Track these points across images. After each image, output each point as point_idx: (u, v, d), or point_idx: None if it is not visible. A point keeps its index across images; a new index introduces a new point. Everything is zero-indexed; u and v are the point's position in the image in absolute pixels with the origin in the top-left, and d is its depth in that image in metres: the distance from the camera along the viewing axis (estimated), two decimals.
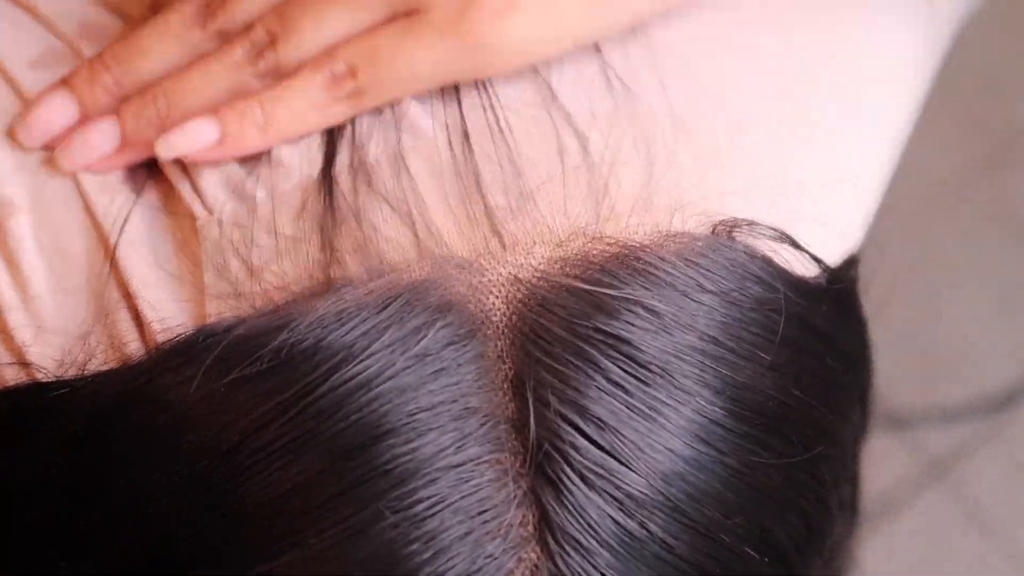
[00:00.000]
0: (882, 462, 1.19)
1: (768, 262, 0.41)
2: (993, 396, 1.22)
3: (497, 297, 0.39)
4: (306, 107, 0.41)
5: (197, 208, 0.41)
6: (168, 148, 0.41)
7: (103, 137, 0.42)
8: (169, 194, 0.42)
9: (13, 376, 0.40)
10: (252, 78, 0.42)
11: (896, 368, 1.21)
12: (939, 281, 1.23)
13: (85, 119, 0.43)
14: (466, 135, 0.41)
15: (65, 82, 0.43)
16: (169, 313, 0.40)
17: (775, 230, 0.41)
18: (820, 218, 0.44)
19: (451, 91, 0.42)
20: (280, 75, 0.42)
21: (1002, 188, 1.27)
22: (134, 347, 0.39)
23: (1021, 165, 1.28)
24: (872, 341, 0.47)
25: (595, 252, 0.39)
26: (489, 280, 0.39)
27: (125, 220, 0.41)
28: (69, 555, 0.39)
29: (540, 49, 0.42)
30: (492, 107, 0.42)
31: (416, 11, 0.41)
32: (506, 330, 0.38)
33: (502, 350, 0.38)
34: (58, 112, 0.43)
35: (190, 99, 0.42)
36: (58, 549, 0.39)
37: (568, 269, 0.39)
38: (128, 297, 0.40)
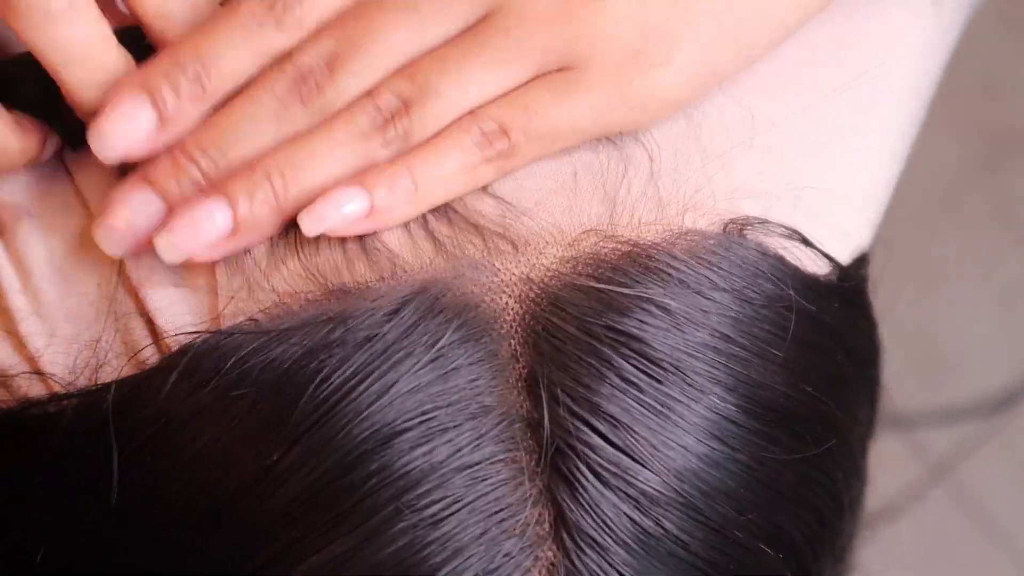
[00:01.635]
0: (883, 462, 1.19)
1: (780, 260, 0.41)
2: (993, 396, 1.22)
3: (510, 296, 0.39)
4: (456, 170, 0.39)
5: None
6: (315, 222, 0.38)
7: (213, 221, 0.38)
8: None
9: (26, 384, 0.40)
10: (380, 147, 0.39)
11: (897, 368, 1.21)
12: (939, 281, 1.24)
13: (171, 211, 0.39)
14: None
15: (145, 177, 0.39)
16: (182, 318, 0.40)
17: (786, 228, 0.42)
18: (830, 216, 0.44)
19: None
20: (410, 143, 0.39)
21: (1002, 188, 1.28)
22: (148, 353, 0.39)
23: (1021, 165, 1.29)
24: (881, 340, 0.47)
25: (607, 251, 0.39)
26: (502, 280, 0.39)
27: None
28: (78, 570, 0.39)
29: (695, 96, 0.42)
30: None
31: (569, 68, 0.40)
32: (519, 329, 0.38)
33: (515, 349, 0.38)
34: (142, 214, 0.39)
35: (312, 173, 0.39)
36: (67, 564, 0.39)
37: (580, 268, 0.39)
38: (140, 303, 0.40)
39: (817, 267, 0.42)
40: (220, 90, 0.39)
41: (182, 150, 0.39)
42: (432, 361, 0.37)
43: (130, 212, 0.39)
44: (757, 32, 0.42)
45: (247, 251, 0.40)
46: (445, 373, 0.37)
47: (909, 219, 1.18)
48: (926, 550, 1.20)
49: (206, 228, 0.38)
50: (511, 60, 0.39)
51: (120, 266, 0.40)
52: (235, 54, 0.39)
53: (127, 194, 0.39)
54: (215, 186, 0.39)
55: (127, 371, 0.39)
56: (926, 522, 1.20)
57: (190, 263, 0.40)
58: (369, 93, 0.39)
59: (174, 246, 0.38)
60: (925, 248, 1.23)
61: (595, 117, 0.40)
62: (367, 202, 0.39)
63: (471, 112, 0.40)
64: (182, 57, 0.39)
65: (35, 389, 0.40)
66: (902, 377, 1.21)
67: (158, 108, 0.38)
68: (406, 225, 0.40)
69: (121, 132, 0.38)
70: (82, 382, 0.39)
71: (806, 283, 0.41)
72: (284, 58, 0.39)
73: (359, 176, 0.39)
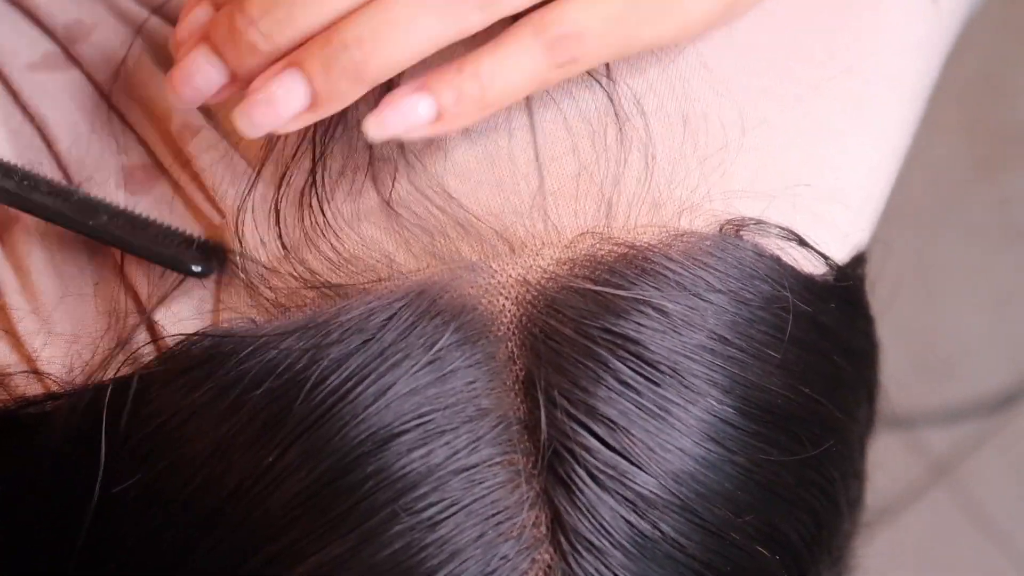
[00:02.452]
0: (883, 462, 1.19)
1: (776, 260, 0.41)
2: (993, 396, 1.22)
3: (507, 299, 0.39)
4: (526, 77, 0.38)
5: (208, 211, 0.41)
6: (381, 127, 0.37)
7: (291, 93, 0.37)
8: (177, 195, 0.42)
9: (23, 383, 0.40)
10: (475, 12, 0.37)
11: (896, 368, 1.21)
12: (939, 281, 1.24)
13: (235, 80, 0.38)
14: None
15: (206, 39, 0.38)
16: (180, 318, 0.40)
17: (783, 228, 0.42)
18: (826, 217, 0.44)
19: None
20: (502, 12, 0.38)
21: (1002, 188, 1.28)
22: (146, 352, 0.39)
23: (1021, 165, 1.28)
24: (879, 340, 0.47)
25: (603, 253, 0.39)
26: (499, 282, 0.39)
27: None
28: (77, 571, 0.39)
29: (724, 15, 0.41)
30: None
31: None
32: (516, 331, 0.38)
33: (512, 351, 0.38)
34: (205, 76, 0.38)
35: (397, 43, 0.37)
36: (60, 567, 0.39)
37: (577, 270, 0.39)
38: (138, 302, 0.40)
39: (814, 267, 0.42)
40: None
41: (240, 10, 0.37)
42: (429, 363, 0.37)
43: (197, 73, 0.38)
44: None
45: (246, 251, 0.40)
46: (442, 375, 0.37)
47: (909, 219, 1.17)
48: (926, 550, 1.20)
49: (282, 104, 0.37)
50: None
51: (118, 265, 0.41)
52: None
53: (193, 56, 0.38)
54: (290, 57, 0.37)
55: (124, 371, 0.39)
56: (926, 522, 1.20)
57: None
58: None
59: (253, 123, 0.38)
60: (925, 248, 1.23)
61: (642, 21, 0.39)
62: (434, 107, 0.37)
63: (541, 13, 0.38)
64: None
65: (32, 388, 0.40)
66: (902, 377, 1.21)
67: None
68: (403, 227, 0.40)
69: None
70: (79, 381, 0.39)
71: (803, 283, 0.41)
72: None
73: (425, 80, 0.37)
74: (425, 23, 0.37)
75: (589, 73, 0.42)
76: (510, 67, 0.37)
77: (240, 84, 0.38)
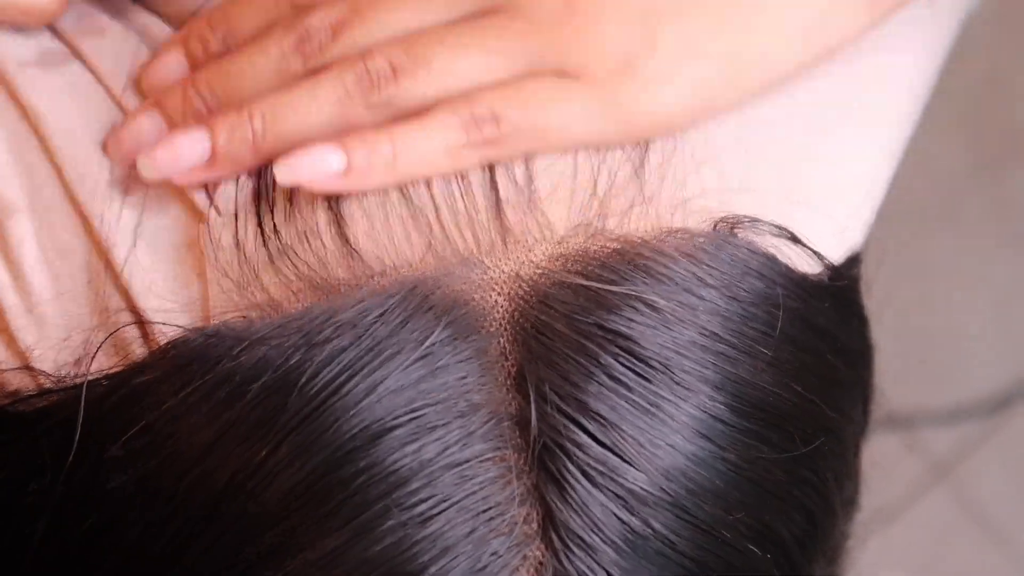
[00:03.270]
0: (883, 462, 1.19)
1: (770, 258, 0.41)
2: (993, 396, 1.22)
3: (500, 294, 0.39)
4: (439, 149, 0.40)
5: (200, 207, 0.41)
6: (290, 172, 0.39)
7: (192, 147, 0.41)
8: (170, 193, 0.42)
9: (15, 379, 0.40)
10: (362, 109, 0.40)
11: (896, 369, 1.21)
12: (939, 281, 1.23)
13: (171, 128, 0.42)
14: None
15: (157, 102, 0.42)
16: (172, 316, 0.40)
17: (777, 227, 0.42)
18: (821, 216, 0.44)
19: None
20: (392, 111, 0.40)
21: (1002, 188, 1.27)
22: (138, 350, 0.39)
23: (1021, 165, 1.28)
24: (873, 340, 0.47)
25: (596, 248, 0.39)
26: (492, 277, 0.39)
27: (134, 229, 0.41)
28: (68, 572, 0.39)
29: (685, 121, 0.42)
30: None
31: (566, 72, 0.40)
32: (508, 327, 0.38)
33: (504, 347, 0.38)
34: (148, 132, 0.42)
35: (290, 122, 0.40)
36: (55, 565, 0.39)
37: (569, 265, 0.39)
38: (130, 300, 0.40)
39: (808, 266, 0.42)
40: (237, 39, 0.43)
41: (192, 82, 0.42)
42: (421, 358, 0.37)
43: (137, 127, 0.42)
44: (762, 76, 0.42)
45: (239, 247, 0.40)
46: (434, 370, 0.37)
47: (908, 219, 1.17)
48: (926, 550, 1.20)
49: (185, 153, 0.40)
50: (507, 51, 0.40)
51: (110, 263, 0.41)
52: (254, 16, 0.43)
53: (140, 112, 0.42)
54: (204, 119, 0.41)
55: (116, 368, 0.39)
56: (926, 522, 1.20)
57: (183, 259, 0.41)
58: (361, 55, 0.40)
59: (154, 164, 0.40)
60: (924, 248, 1.23)
61: (585, 123, 0.40)
62: (344, 162, 0.39)
63: (465, 96, 0.40)
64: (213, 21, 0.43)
65: (25, 385, 0.40)
66: (902, 377, 1.21)
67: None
68: (396, 222, 0.40)
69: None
70: (71, 378, 0.39)
71: (796, 282, 0.41)
72: (298, 16, 0.41)
73: (341, 136, 0.40)
74: (320, 110, 0.40)
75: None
76: (424, 138, 0.39)
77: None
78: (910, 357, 1.22)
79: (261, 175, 0.41)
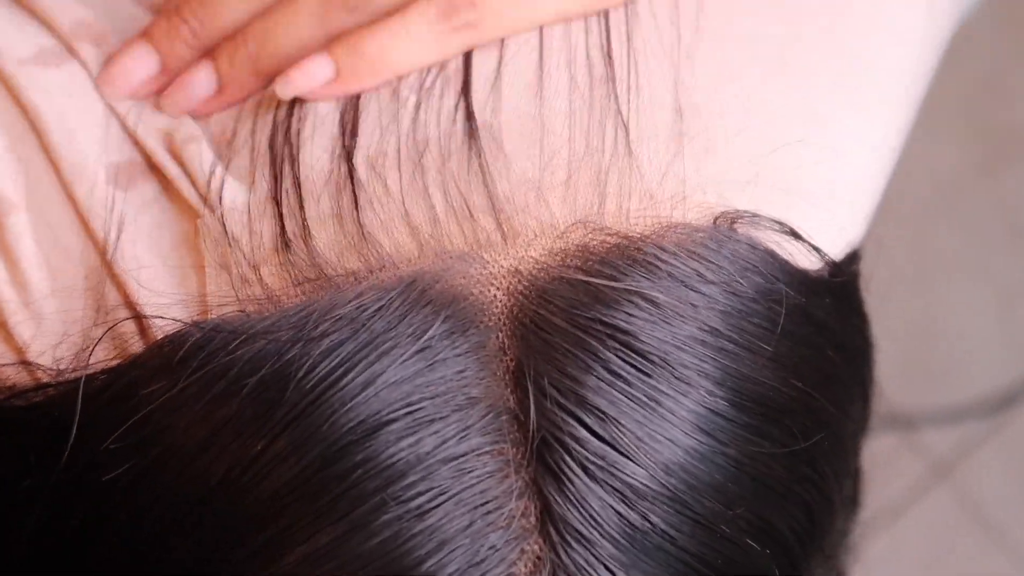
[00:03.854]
0: (884, 463, 1.19)
1: (770, 253, 0.41)
2: (994, 396, 1.22)
3: (498, 289, 0.39)
4: (420, 41, 0.42)
5: (196, 201, 0.41)
6: (287, 86, 0.42)
7: (202, 82, 0.44)
8: (167, 188, 0.42)
9: (13, 374, 0.40)
10: (344, 14, 0.43)
11: (897, 368, 1.21)
12: (939, 281, 1.23)
13: (166, 71, 0.44)
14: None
15: (145, 34, 0.45)
16: (169, 310, 0.40)
17: (777, 222, 0.41)
18: (821, 212, 0.44)
19: (458, 83, 0.42)
20: (373, 10, 0.43)
21: (1002, 188, 1.28)
22: (136, 345, 0.39)
23: (1021, 165, 1.28)
24: (874, 337, 0.47)
25: (595, 243, 0.39)
26: (490, 272, 0.39)
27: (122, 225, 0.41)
28: (62, 567, 0.39)
29: None
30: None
31: None
32: (507, 321, 0.38)
33: (503, 341, 0.38)
34: (139, 63, 0.44)
35: (281, 40, 0.43)
36: (50, 559, 0.39)
37: (568, 260, 0.39)
38: (127, 295, 0.40)
39: (809, 262, 0.42)
40: None
41: (177, 12, 0.45)
42: (419, 352, 0.37)
43: (130, 61, 0.44)
44: None
45: (236, 242, 0.40)
46: (431, 364, 0.37)
47: (909, 219, 1.18)
48: (926, 550, 1.20)
49: (197, 85, 0.44)
50: None
51: (107, 258, 0.41)
52: None
53: (130, 47, 0.44)
54: (204, 53, 0.44)
55: (114, 362, 0.39)
56: (926, 522, 1.20)
57: (179, 254, 0.41)
58: None
59: (174, 103, 0.44)
60: (925, 248, 1.23)
61: None
62: (332, 68, 0.42)
63: None
64: None
65: (22, 380, 0.40)
66: (902, 377, 1.21)
67: None
68: (396, 217, 0.40)
69: None
70: (69, 372, 0.39)
71: (796, 277, 0.41)
72: None
73: (328, 44, 0.42)
74: (303, 23, 0.43)
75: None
76: (405, 32, 0.42)
77: (168, 76, 0.45)
78: (910, 356, 1.22)
79: (275, 168, 0.41)
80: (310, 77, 0.42)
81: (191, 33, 0.44)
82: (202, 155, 0.42)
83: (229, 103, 0.44)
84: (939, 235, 1.24)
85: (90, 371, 0.39)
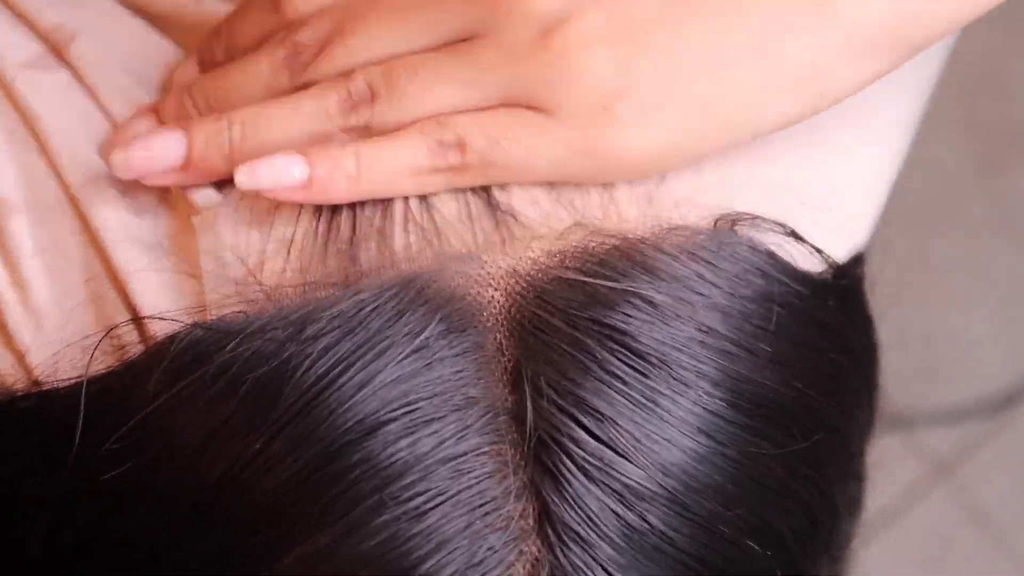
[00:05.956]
0: (883, 462, 1.19)
1: (771, 256, 0.40)
2: (994, 396, 1.22)
3: (496, 290, 0.39)
4: (404, 169, 0.40)
5: (195, 203, 0.41)
6: (251, 178, 0.39)
7: (167, 148, 0.41)
8: (167, 190, 0.42)
9: (12, 377, 0.40)
10: (338, 128, 0.41)
11: (897, 369, 1.21)
12: (940, 281, 1.23)
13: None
14: None
15: (153, 107, 0.43)
16: (169, 312, 0.40)
17: (779, 224, 0.41)
18: (825, 214, 0.44)
19: None
20: (366, 133, 0.41)
21: (1002, 188, 1.27)
22: (136, 347, 0.39)
23: (1021, 165, 1.28)
24: (879, 340, 0.47)
25: (594, 245, 0.39)
26: (489, 273, 0.39)
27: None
28: (58, 567, 0.39)
29: (661, 167, 0.41)
30: None
31: (539, 107, 0.39)
32: (505, 322, 0.38)
33: (501, 342, 0.38)
34: (142, 133, 0.42)
35: (267, 133, 0.41)
36: (49, 558, 0.39)
37: (567, 261, 0.39)
38: (126, 297, 0.40)
39: (811, 264, 0.42)
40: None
41: (188, 89, 0.43)
42: (416, 351, 0.37)
43: (130, 130, 0.42)
44: (750, 124, 0.40)
45: (233, 243, 0.40)
46: (429, 364, 0.37)
47: (909, 219, 1.17)
48: (926, 550, 1.20)
49: (160, 154, 0.41)
50: (480, 82, 0.40)
51: (107, 260, 0.41)
52: (251, 28, 0.44)
53: (135, 117, 0.43)
54: (186, 121, 0.42)
55: (114, 364, 0.39)
56: (926, 522, 1.20)
57: (178, 256, 0.41)
58: (344, 75, 0.40)
59: (127, 162, 0.41)
60: (925, 248, 1.23)
61: (552, 162, 0.40)
62: (306, 173, 0.39)
63: (437, 120, 0.40)
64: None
65: (22, 382, 0.40)
66: (902, 377, 1.21)
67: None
68: (397, 215, 0.40)
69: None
70: (68, 374, 0.39)
71: (798, 279, 0.41)
72: (289, 32, 0.42)
73: (308, 148, 0.40)
74: (298, 125, 0.41)
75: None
76: (390, 157, 0.40)
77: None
78: (910, 357, 1.22)
79: None
80: (278, 175, 0.39)
81: (194, 108, 0.43)
82: None
83: (184, 183, 0.42)
84: (939, 235, 1.24)
85: (91, 374, 0.39)
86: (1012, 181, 1.28)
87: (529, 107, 0.40)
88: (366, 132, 0.40)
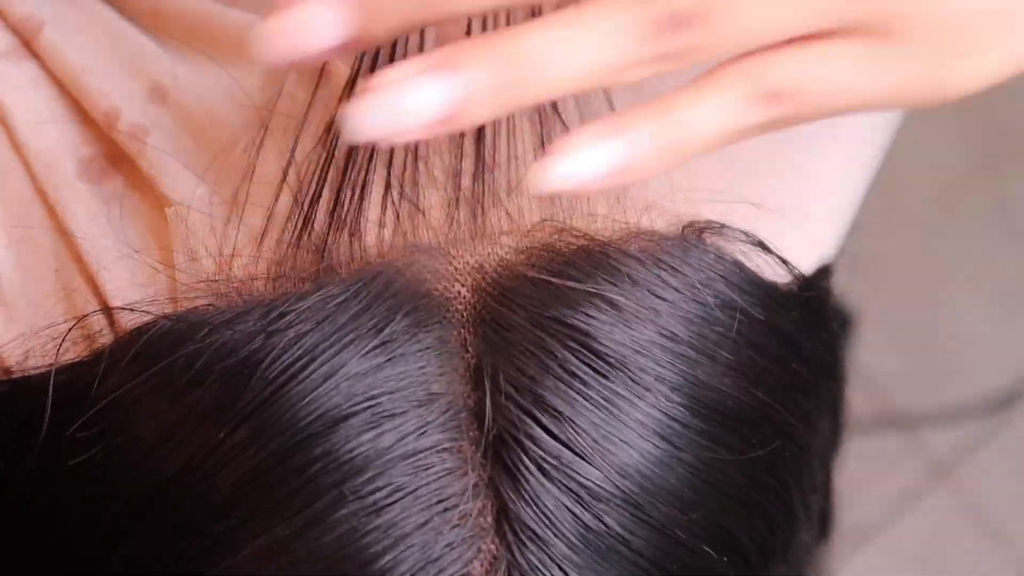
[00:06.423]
0: (884, 463, 1.19)
1: (736, 265, 0.40)
2: (994, 396, 1.22)
3: (463, 285, 0.39)
4: (717, 127, 0.32)
5: (167, 195, 0.41)
6: (553, 178, 0.30)
7: (431, 98, 0.30)
8: (136, 181, 0.42)
9: None
10: (648, 52, 0.30)
11: (897, 369, 1.21)
12: (939, 281, 1.23)
13: (349, 46, 0.31)
14: None
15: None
16: (139, 303, 0.40)
17: (745, 233, 0.41)
18: (792, 225, 0.43)
19: None
20: (675, 64, 0.31)
21: (1002, 188, 1.27)
22: (106, 337, 0.40)
23: (1021, 165, 1.28)
24: (846, 351, 0.47)
25: (561, 243, 0.39)
26: (456, 268, 0.39)
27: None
28: (16, 561, 0.39)
29: (994, 81, 0.35)
30: None
31: (882, 35, 0.32)
32: (470, 318, 0.38)
33: (465, 338, 0.38)
34: (322, 25, 0.30)
35: (556, 66, 0.30)
36: (6, 542, 0.39)
37: (533, 260, 0.39)
38: (96, 288, 0.40)
39: (777, 275, 0.42)
40: None
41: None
42: (380, 346, 0.37)
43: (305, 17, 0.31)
44: None
45: (205, 236, 0.40)
46: (392, 358, 0.37)
47: (909, 219, 1.17)
48: (926, 550, 1.20)
49: (418, 110, 0.30)
50: (819, 5, 0.32)
51: (77, 253, 0.41)
52: None
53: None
54: (444, 55, 0.30)
55: (82, 355, 0.39)
56: (926, 523, 1.20)
57: (149, 247, 0.40)
58: None
59: (362, 127, 0.30)
60: (925, 248, 1.22)
61: (894, 96, 0.34)
62: (624, 155, 0.31)
63: (754, 57, 0.32)
64: None
65: None
66: (902, 377, 1.21)
67: None
68: (373, 207, 0.40)
69: None
70: (37, 364, 0.39)
71: (763, 289, 0.41)
72: None
73: (615, 121, 0.31)
74: (599, 47, 0.30)
75: None
76: (705, 115, 0.32)
77: (350, 50, 0.31)
78: (910, 357, 1.22)
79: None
80: (590, 167, 0.31)
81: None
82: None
83: (454, 128, 0.31)
84: (940, 235, 1.24)
85: (60, 363, 0.39)
86: (1012, 181, 1.27)
87: (869, 35, 0.33)
88: (670, 64, 0.31)
